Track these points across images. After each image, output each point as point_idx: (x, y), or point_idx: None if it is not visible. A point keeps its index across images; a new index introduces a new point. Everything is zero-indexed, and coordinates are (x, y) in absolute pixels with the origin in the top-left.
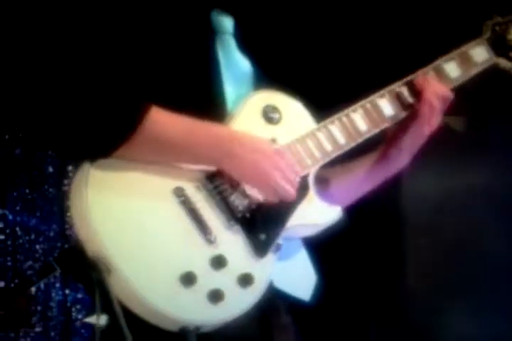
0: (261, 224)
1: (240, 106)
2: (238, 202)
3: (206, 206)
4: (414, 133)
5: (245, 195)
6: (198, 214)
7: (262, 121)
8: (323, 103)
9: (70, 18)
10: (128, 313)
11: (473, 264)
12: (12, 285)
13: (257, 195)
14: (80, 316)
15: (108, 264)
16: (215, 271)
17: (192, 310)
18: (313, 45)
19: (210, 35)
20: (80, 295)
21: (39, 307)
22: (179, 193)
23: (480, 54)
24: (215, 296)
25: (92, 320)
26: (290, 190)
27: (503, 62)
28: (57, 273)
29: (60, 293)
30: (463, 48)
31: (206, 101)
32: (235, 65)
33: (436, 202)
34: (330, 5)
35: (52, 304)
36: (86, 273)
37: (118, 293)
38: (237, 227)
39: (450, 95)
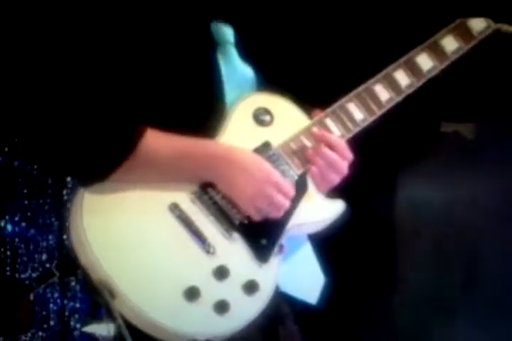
0: (260, 228)
1: (230, 110)
2: (235, 209)
3: (203, 218)
4: (321, 180)
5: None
6: (195, 227)
7: (253, 124)
8: (323, 103)
9: (64, 34)
10: (139, 331)
11: (467, 273)
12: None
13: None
14: (78, 325)
15: (111, 289)
16: (218, 282)
17: (200, 324)
18: (312, 48)
19: (211, 46)
20: (78, 305)
21: (37, 317)
22: (174, 209)
23: (478, 24)
24: (222, 307)
25: (91, 329)
26: (275, 215)
27: (505, 26)
28: (56, 278)
29: (59, 302)
30: (458, 21)
31: (207, 110)
32: (236, 73)
33: (431, 210)
34: (326, 9)
35: (50, 313)
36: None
37: (125, 314)
38: (237, 235)
39: (338, 155)
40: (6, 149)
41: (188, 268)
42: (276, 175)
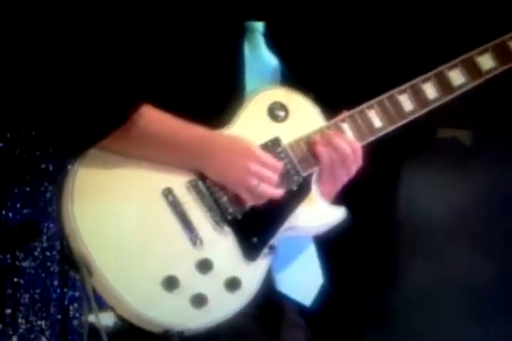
0: (253, 226)
1: (247, 100)
2: (230, 203)
3: (195, 207)
4: (327, 181)
5: (237, 197)
6: (185, 216)
7: (266, 119)
8: (345, 104)
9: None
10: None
11: (468, 274)
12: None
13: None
14: (77, 315)
15: (89, 267)
16: (200, 275)
17: (174, 314)
18: (343, 50)
19: (240, 32)
20: (77, 294)
21: (36, 306)
22: (168, 194)
23: None
24: (199, 301)
25: (93, 319)
26: (269, 192)
27: None
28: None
29: (58, 291)
30: (499, 39)
31: (225, 96)
32: (260, 62)
33: (433, 211)
34: (359, 8)
35: (50, 302)
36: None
37: (101, 294)
38: (228, 229)
39: (351, 150)
40: (8, 135)
41: (171, 256)
42: (257, 149)
